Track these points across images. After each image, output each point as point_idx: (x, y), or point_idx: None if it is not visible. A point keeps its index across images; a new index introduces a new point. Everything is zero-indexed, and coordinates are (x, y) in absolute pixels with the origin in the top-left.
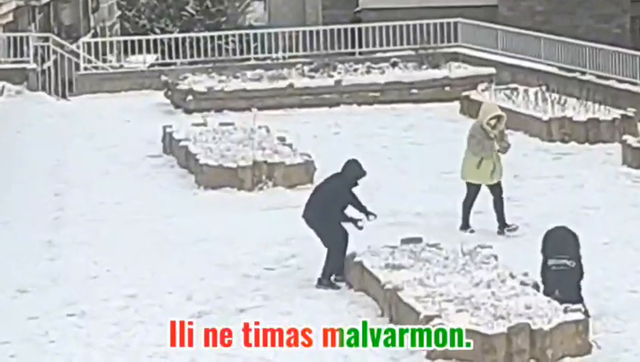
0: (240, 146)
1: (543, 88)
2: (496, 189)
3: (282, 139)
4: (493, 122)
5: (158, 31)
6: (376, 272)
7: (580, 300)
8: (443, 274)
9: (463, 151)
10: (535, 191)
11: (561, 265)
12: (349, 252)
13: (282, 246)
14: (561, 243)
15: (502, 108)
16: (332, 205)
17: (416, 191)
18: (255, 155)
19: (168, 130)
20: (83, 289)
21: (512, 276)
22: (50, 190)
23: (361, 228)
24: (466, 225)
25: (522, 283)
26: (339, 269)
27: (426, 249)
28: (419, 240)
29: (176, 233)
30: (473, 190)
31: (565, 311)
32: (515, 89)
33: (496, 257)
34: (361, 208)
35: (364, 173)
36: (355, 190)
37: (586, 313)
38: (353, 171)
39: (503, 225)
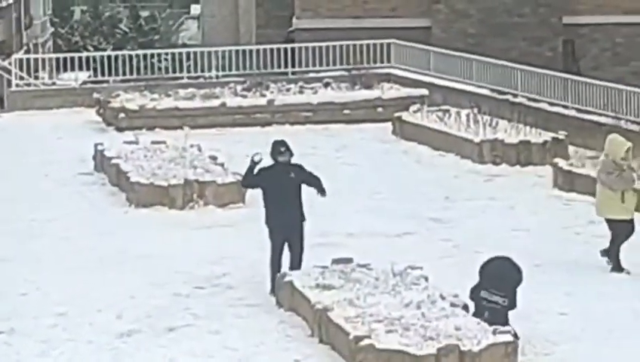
0: (171, 165)
1: (475, 110)
2: (629, 225)
3: (214, 158)
4: (627, 155)
5: (91, 48)
6: (307, 292)
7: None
8: (373, 294)
9: (598, 190)
10: (466, 213)
11: (493, 302)
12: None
13: (213, 265)
14: (499, 279)
15: (433, 130)
16: (295, 194)
17: (347, 211)
18: (186, 174)
19: (100, 147)
20: (13, 306)
21: (442, 297)
22: None
23: (258, 161)
24: (619, 268)
25: (452, 305)
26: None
27: (356, 269)
28: (349, 260)
29: (107, 251)
30: (622, 226)
31: (494, 332)
32: (447, 111)
33: (426, 278)
34: (319, 186)
35: (289, 151)
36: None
37: (515, 335)
38: (284, 150)
39: (611, 261)
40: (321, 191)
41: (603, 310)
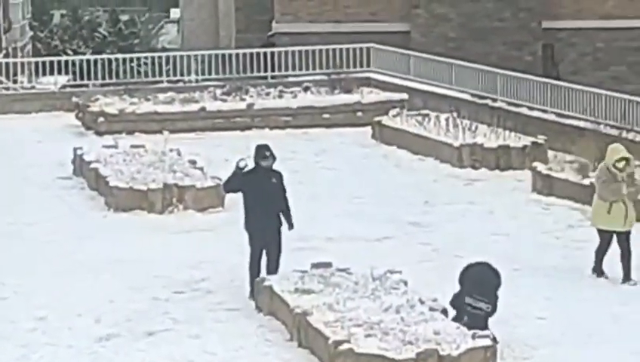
0: (151, 169)
1: (455, 114)
2: (625, 238)
3: (193, 163)
4: (621, 165)
5: (70, 52)
6: (286, 296)
7: (484, 323)
8: (352, 299)
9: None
10: (445, 217)
11: (478, 308)
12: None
13: (192, 269)
14: (481, 284)
15: (412, 135)
16: (275, 200)
17: (327, 215)
18: (166, 178)
19: (79, 151)
20: None
21: (421, 301)
22: None
23: (243, 167)
24: (600, 272)
25: (431, 309)
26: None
27: (335, 273)
28: (329, 264)
29: (86, 255)
30: (606, 237)
31: (473, 337)
32: (427, 115)
33: (405, 283)
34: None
35: (272, 156)
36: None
37: (494, 339)
38: (267, 155)
39: (627, 277)
40: (290, 224)
41: (582, 314)
